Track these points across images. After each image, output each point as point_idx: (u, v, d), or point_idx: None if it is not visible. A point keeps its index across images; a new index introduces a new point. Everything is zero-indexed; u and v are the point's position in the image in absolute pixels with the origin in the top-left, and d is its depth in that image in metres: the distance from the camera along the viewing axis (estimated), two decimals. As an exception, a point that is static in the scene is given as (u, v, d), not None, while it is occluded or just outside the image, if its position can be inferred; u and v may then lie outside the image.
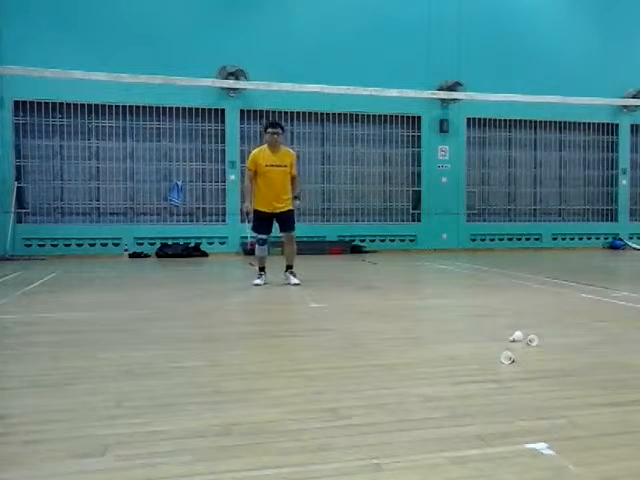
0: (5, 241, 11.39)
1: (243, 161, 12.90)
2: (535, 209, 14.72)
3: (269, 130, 7.08)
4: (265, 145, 7.18)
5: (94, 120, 12.33)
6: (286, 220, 7.22)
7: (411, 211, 13.85)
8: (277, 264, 7.75)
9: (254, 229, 7.32)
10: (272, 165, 7.06)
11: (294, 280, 7.15)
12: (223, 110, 12.70)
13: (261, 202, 7.12)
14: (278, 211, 7.13)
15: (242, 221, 8.05)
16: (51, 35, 11.64)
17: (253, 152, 7.24)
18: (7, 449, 2.16)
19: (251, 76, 12.12)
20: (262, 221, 7.15)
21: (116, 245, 12.19)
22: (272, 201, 7.09)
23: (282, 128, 7.26)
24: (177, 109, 12.56)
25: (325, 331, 4.36)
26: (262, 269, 7.28)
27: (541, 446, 2.15)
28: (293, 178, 7.25)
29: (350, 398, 2.72)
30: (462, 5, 13.57)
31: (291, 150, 7.50)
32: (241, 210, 7.25)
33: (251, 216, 7.33)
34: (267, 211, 7.11)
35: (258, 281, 7.14)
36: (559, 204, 14.83)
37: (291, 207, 7.25)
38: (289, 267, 7.33)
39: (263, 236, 7.18)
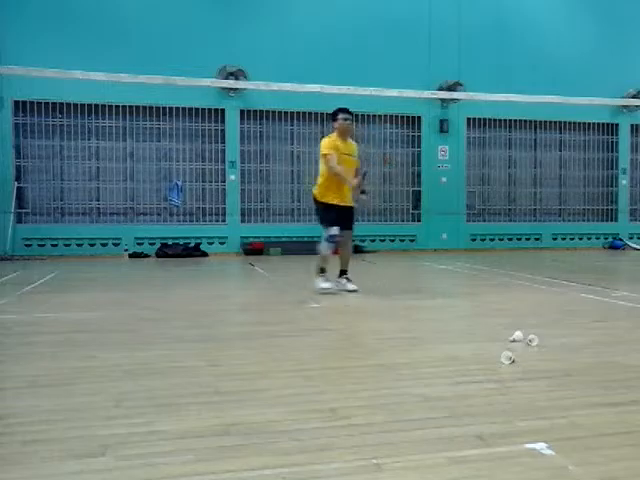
0: (5, 241, 11.39)
1: (243, 161, 12.94)
2: (535, 209, 14.71)
3: (340, 116, 6.34)
4: (334, 134, 6.40)
5: (94, 120, 12.33)
6: (351, 216, 6.55)
7: (411, 211, 13.85)
8: (274, 264, 7.73)
9: (328, 222, 6.24)
10: (346, 154, 6.36)
11: (351, 286, 6.39)
12: (223, 110, 12.70)
13: (334, 194, 6.32)
14: (348, 205, 6.45)
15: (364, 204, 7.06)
16: (51, 35, 11.63)
17: (327, 139, 6.39)
18: (7, 449, 2.16)
19: (251, 76, 12.12)
20: (337, 214, 6.29)
21: (116, 245, 12.19)
22: (346, 193, 6.40)
23: (352, 114, 6.53)
24: (177, 109, 12.55)
25: (325, 331, 4.36)
26: (324, 270, 6.34)
27: (541, 446, 2.15)
28: (357, 170, 6.54)
29: (350, 398, 2.72)
30: (462, 5, 13.57)
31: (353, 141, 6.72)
32: (362, 192, 6.49)
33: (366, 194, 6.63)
34: (340, 204, 6.35)
35: (326, 285, 6.28)
36: (559, 204, 14.83)
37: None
38: (343, 272, 6.53)
39: (337, 230, 6.20)
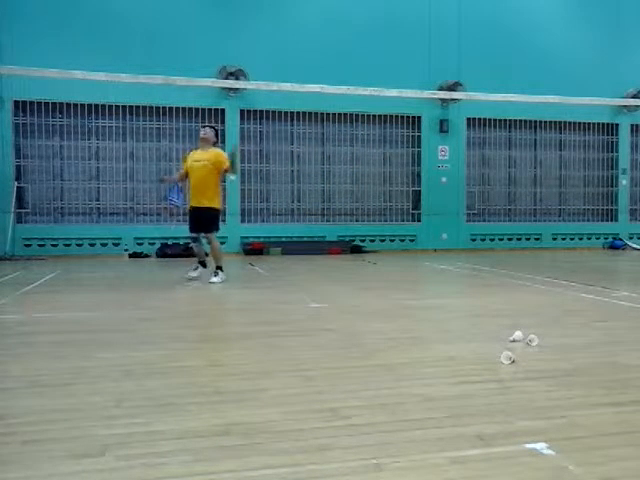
0: (5, 241, 11.38)
1: (243, 161, 12.92)
2: (535, 209, 14.72)
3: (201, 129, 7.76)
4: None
5: (94, 120, 12.33)
6: (202, 219, 7.54)
7: (411, 211, 13.85)
8: (274, 264, 7.73)
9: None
10: (196, 161, 7.51)
11: (213, 279, 7.40)
12: (223, 110, 12.70)
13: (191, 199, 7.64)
14: (197, 206, 7.50)
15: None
16: (51, 35, 11.64)
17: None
18: (7, 449, 2.16)
19: (251, 76, 12.12)
20: (191, 217, 7.67)
21: (116, 245, 12.19)
22: (196, 195, 7.53)
23: (214, 128, 7.85)
24: (177, 109, 12.55)
25: (325, 331, 4.36)
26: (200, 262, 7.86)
27: (541, 446, 2.15)
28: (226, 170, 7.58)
29: (350, 398, 2.72)
30: (462, 5, 13.57)
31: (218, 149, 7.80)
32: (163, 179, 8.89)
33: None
34: (192, 206, 7.61)
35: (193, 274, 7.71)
36: (559, 204, 14.83)
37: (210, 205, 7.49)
38: (217, 267, 7.67)
39: (194, 234, 7.76)
